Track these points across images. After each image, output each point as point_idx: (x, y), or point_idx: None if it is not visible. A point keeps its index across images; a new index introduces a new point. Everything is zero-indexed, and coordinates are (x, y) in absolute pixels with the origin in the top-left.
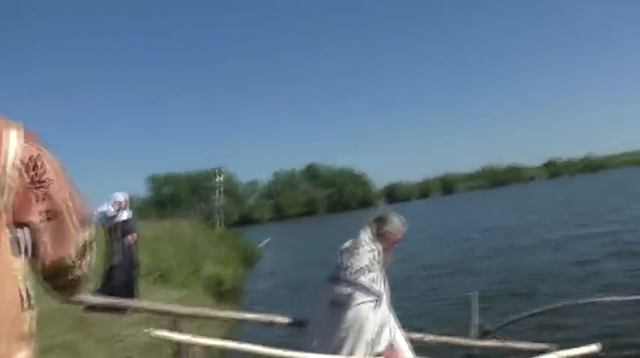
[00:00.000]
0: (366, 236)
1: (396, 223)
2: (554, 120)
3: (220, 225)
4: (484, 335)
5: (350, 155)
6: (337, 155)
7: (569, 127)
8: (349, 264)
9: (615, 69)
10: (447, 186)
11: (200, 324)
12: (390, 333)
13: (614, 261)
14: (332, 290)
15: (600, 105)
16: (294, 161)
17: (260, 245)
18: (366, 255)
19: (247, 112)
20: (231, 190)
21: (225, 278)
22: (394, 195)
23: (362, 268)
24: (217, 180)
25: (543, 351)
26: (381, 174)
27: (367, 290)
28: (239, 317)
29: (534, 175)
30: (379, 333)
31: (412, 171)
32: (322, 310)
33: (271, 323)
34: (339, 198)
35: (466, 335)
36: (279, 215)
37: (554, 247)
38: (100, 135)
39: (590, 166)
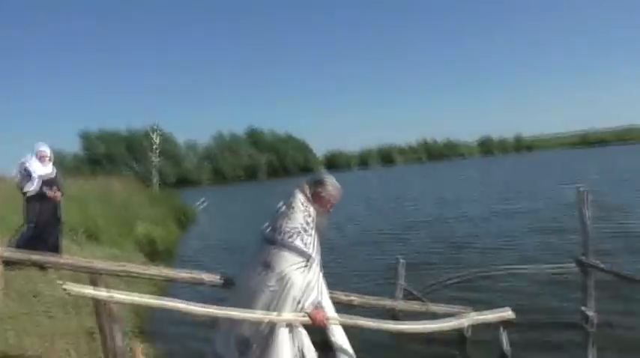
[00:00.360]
0: (300, 197)
1: (331, 187)
2: (490, 100)
3: (156, 185)
4: (408, 297)
5: (291, 121)
6: (278, 121)
7: (503, 107)
8: (283, 225)
9: (550, 57)
10: (386, 157)
11: (128, 283)
12: (319, 295)
13: (531, 235)
14: (264, 251)
15: (539, 87)
16: (235, 125)
17: (196, 204)
18: (300, 216)
19: (188, 73)
20: (169, 151)
21: (158, 238)
22: (335, 163)
23: (295, 228)
24: (153, 139)
25: (460, 314)
26: (322, 142)
27: (299, 251)
28: (166, 275)
29: (469, 152)
30: (308, 293)
31: (352, 141)
32: (253, 269)
33: (201, 282)
34: (280, 163)
35: (392, 297)
36: (219, 178)
37: (480, 219)
38: (31, 91)
39: (522, 146)
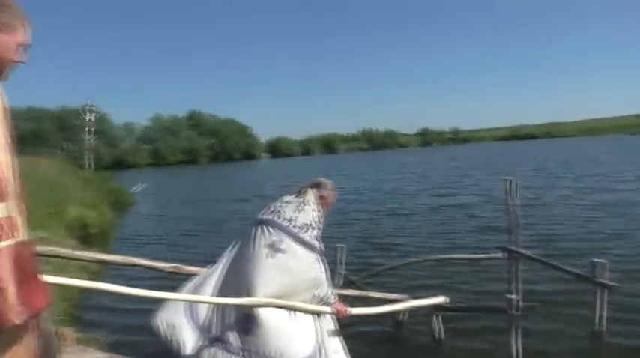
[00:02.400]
0: (312, 197)
1: (331, 188)
2: (429, 94)
3: (90, 166)
4: (348, 284)
5: (232, 106)
6: (219, 105)
7: (442, 102)
8: (296, 218)
9: (486, 56)
10: (328, 145)
11: (58, 268)
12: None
13: (464, 224)
14: (269, 236)
15: (476, 84)
16: (175, 108)
17: (133, 189)
18: (312, 213)
19: (128, 53)
20: (105, 131)
21: (91, 221)
22: (277, 149)
23: (309, 224)
24: (87, 118)
25: (397, 300)
26: (264, 128)
27: (311, 246)
28: (99, 258)
29: (408, 142)
30: (322, 285)
31: (294, 129)
32: (258, 252)
33: (134, 265)
34: (221, 148)
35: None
36: (158, 161)
37: (416, 208)
38: None
39: (458, 138)
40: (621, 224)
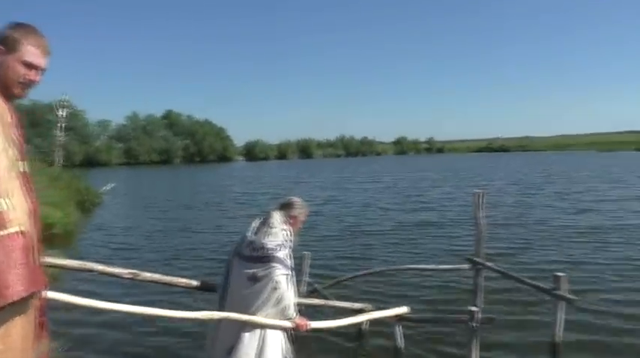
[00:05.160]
0: (278, 217)
1: (300, 206)
2: (406, 105)
3: (59, 164)
4: (311, 292)
5: (209, 109)
6: (196, 108)
7: (419, 112)
8: (265, 242)
9: (464, 71)
10: (304, 150)
11: None
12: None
13: (432, 235)
14: (248, 267)
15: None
16: (151, 107)
17: (102, 189)
18: (281, 233)
19: (105, 49)
20: (77, 128)
21: (55, 221)
22: (253, 152)
23: (279, 244)
24: (59, 114)
25: (361, 310)
26: (242, 132)
27: (283, 264)
28: (54, 263)
29: (384, 150)
30: (292, 302)
31: (271, 133)
32: (240, 283)
33: (90, 271)
34: (196, 149)
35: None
36: (131, 160)
37: (384, 218)
38: None
39: (434, 148)
40: (588, 241)
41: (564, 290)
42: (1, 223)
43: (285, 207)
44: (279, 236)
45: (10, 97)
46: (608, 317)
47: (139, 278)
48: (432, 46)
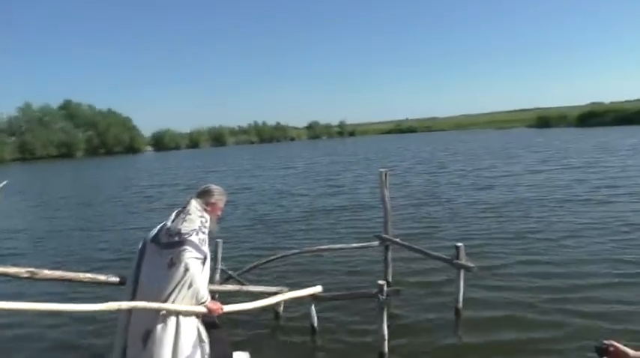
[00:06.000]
0: (195, 204)
1: (219, 193)
2: (317, 90)
3: None
4: (226, 280)
5: (113, 97)
6: (97, 96)
7: (330, 97)
8: (180, 228)
9: (375, 55)
10: (217, 138)
11: None
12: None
13: (343, 215)
14: (164, 254)
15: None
16: (47, 97)
17: None
18: (197, 219)
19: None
20: None
21: None
22: (163, 142)
23: (194, 229)
24: None
25: (276, 293)
26: (150, 122)
27: (197, 248)
28: None
29: (297, 135)
30: (204, 286)
31: (183, 122)
32: (154, 272)
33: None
34: (100, 141)
35: (211, 280)
36: (26, 155)
37: (292, 201)
38: None
39: (345, 131)
40: (491, 216)
41: (463, 258)
42: None
43: (203, 194)
44: (196, 222)
45: None
46: (509, 280)
47: (39, 276)
48: (337, 31)
